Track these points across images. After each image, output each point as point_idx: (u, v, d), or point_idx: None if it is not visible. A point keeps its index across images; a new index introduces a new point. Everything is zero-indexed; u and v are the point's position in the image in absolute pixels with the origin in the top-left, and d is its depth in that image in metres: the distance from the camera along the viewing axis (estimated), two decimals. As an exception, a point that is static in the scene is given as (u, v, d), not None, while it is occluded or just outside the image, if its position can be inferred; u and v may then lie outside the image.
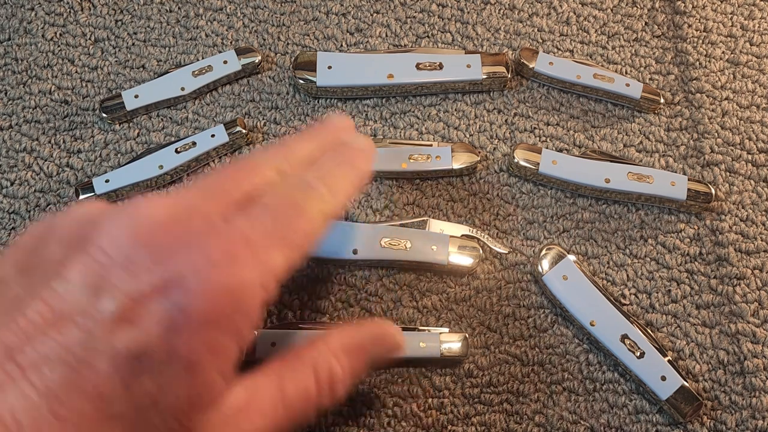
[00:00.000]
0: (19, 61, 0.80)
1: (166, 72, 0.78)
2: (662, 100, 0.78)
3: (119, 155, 0.76)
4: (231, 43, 0.81)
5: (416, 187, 0.74)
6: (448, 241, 0.70)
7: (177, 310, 0.40)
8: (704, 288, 0.71)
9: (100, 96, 0.78)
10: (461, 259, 0.70)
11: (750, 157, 0.76)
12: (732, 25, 0.83)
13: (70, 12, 0.82)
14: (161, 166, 0.73)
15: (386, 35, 0.82)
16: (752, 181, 0.75)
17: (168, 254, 0.42)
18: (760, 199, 0.74)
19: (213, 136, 0.74)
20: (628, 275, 0.71)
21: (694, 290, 0.71)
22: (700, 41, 0.82)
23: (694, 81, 0.79)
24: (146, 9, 0.83)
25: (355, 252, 0.69)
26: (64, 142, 0.76)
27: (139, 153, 0.74)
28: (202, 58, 0.80)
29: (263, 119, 0.77)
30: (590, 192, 0.74)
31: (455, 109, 0.78)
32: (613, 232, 0.73)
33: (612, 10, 0.83)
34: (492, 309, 0.70)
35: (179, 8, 0.83)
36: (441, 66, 0.77)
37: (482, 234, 0.72)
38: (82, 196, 0.72)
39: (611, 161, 0.74)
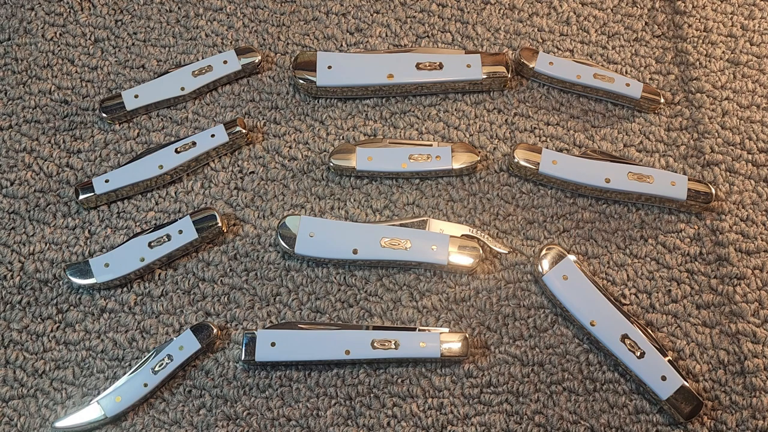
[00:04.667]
0: (19, 61, 0.80)
1: (166, 72, 0.78)
2: (662, 100, 0.78)
3: (119, 155, 0.76)
4: (231, 43, 0.81)
5: (416, 187, 0.74)
6: (448, 241, 0.70)
7: None
8: (704, 288, 0.71)
9: (100, 96, 0.78)
10: (461, 259, 0.70)
11: (750, 156, 0.76)
12: (732, 25, 0.83)
13: (70, 12, 0.82)
14: (161, 166, 0.73)
15: (386, 35, 0.82)
16: (752, 181, 0.75)
17: None
18: (760, 199, 0.74)
19: (213, 136, 0.74)
20: (628, 275, 0.71)
21: (694, 290, 0.71)
22: (700, 41, 0.81)
23: (694, 81, 0.79)
24: (146, 9, 0.83)
25: (355, 252, 0.69)
26: (64, 142, 0.76)
27: (139, 153, 0.74)
28: (202, 58, 0.80)
29: (263, 119, 0.77)
30: (590, 192, 0.73)
31: (455, 109, 0.78)
32: (613, 232, 0.73)
33: (612, 10, 0.83)
34: (492, 309, 0.70)
35: (179, 8, 0.83)
36: (441, 66, 0.77)
37: (482, 234, 0.72)
38: (81, 196, 0.72)
39: (611, 161, 0.74)
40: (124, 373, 0.66)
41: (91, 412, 0.64)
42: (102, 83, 0.79)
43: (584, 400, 0.67)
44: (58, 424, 0.64)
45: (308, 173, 0.75)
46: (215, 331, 0.67)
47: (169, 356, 0.66)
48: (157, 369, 0.65)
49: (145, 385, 0.65)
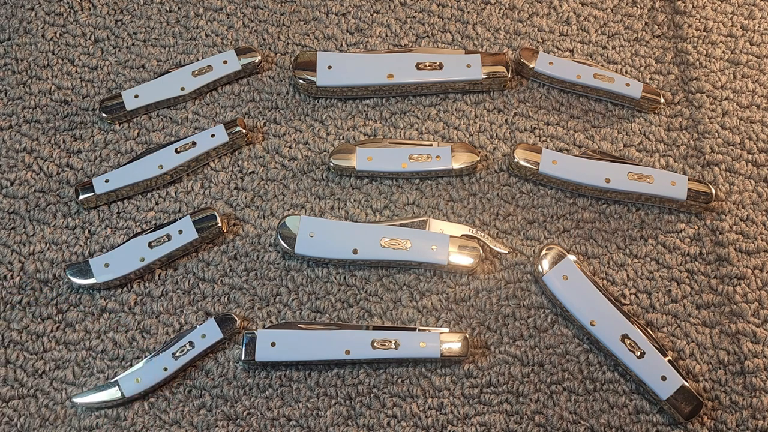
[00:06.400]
0: (19, 61, 0.80)
1: (166, 72, 0.78)
2: (662, 100, 0.78)
3: (119, 155, 0.76)
4: (231, 43, 0.81)
5: (416, 187, 0.74)
6: (448, 241, 0.70)
7: None
8: (704, 288, 0.71)
9: (100, 96, 0.78)
10: (461, 259, 0.70)
11: (750, 156, 0.76)
12: (732, 25, 0.83)
13: (70, 12, 0.82)
14: (161, 166, 0.73)
15: (386, 35, 0.82)
16: (752, 181, 0.75)
17: None
18: (760, 199, 0.74)
19: (213, 136, 0.74)
20: (628, 275, 0.71)
21: (694, 290, 0.71)
22: (700, 41, 0.81)
23: (694, 81, 0.79)
24: (146, 9, 0.83)
25: (355, 252, 0.69)
26: (64, 142, 0.76)
27: (139, 153, 0.74)
28: (202, 58, 0.80)
29: (263, 119, 0.77)
30: (590, 192, 0.74)
31: (455, 109, 0.78)
32: (613, 232, 0.73)
33: (612, 10, 0.83)
34: (492, 309, 0.70)
35: (179, 8, 0.83)
36: (441, 66, 0.77)
37: (482, 234, 0.72)
38: (81, 196, 0.72)
39: (611, 161, 0.74)
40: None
41: (109, 391, 0.65)
42: (102, 83, 0.79)
43: (584, 400, 0.67)
44: (77, 399, 0.65)
45: (308, 173, 0.75)
46: (239, 322, 0.67)
47: (191, 343, 0.66)
48: (178, 354, 0.66)
49: (165, 369, 0.65)
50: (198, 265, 0.71)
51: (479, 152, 0.75)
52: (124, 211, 0.73)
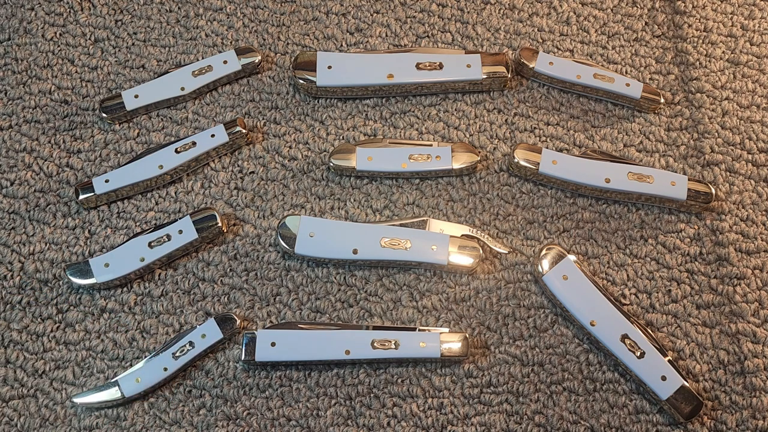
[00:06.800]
0: (19, 61, 0.80)
1: (166, 72, 0.78)
2: (662, 100, 0.78)
3: (119, 155, 0.76)
4: (231, 43, 0.81)
5: (416, 187, 0.74)
6: (448, 241, 0.70)
7: None
8: (704, 288, 0.71)
9: (100, 96, 0.78)
10: (461, 259, 0.70)
11: (750, 156, 0.76)
12: (732, 25, 0.83)
13: (70, 12, 0.82)
14: (161, 166, 0.73)
15: (386, 35, 0.82)
16: (752, 181, 0.75)
17: None
18: (760, 199, 0.74)
19: (213, 136, 0.74)
20: (628, 275, 0.71)
21: (694, 290, 0.71)
22: (700, 41, 0.81)
23: (694, 81, 0.79)
24: (146, 9, 0.83)
25: (355, 252, 0.69)
26: (64, 142, 0.76)
27: (139, 153, 0.74)
28: (202, 58, 0.80)
29: (263, 119, 0.77)
30: (590, 192, 0.74)
31: (455, 109, 0.78)
32: (613, 232, 0.73)
33: (612, 10, 0.83)
34: (492, 309, 0.70)
35: (179, 8, 0.83)
36: (441, 66, 0.77)
37: (482, 234, 0.72)
38: (81, 196, 0.72)
39: (611, 161, 0.74)
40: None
41: (109, 391, 0.65)
42: (102, 83, 0.79)
43: (584, 400, 0.67)
44: (77, 399, 0.65)
45: (308, 173, 0.75)
46: (239, 322, 0.67)
47: (191, 343, 0.66)
48: (178, 354, 0.66)
49: (165, 369, 0.65)
50: (198, 265, 0.71)
51: (479, 152, 0.75)
52: (124, 211, 0.73)
